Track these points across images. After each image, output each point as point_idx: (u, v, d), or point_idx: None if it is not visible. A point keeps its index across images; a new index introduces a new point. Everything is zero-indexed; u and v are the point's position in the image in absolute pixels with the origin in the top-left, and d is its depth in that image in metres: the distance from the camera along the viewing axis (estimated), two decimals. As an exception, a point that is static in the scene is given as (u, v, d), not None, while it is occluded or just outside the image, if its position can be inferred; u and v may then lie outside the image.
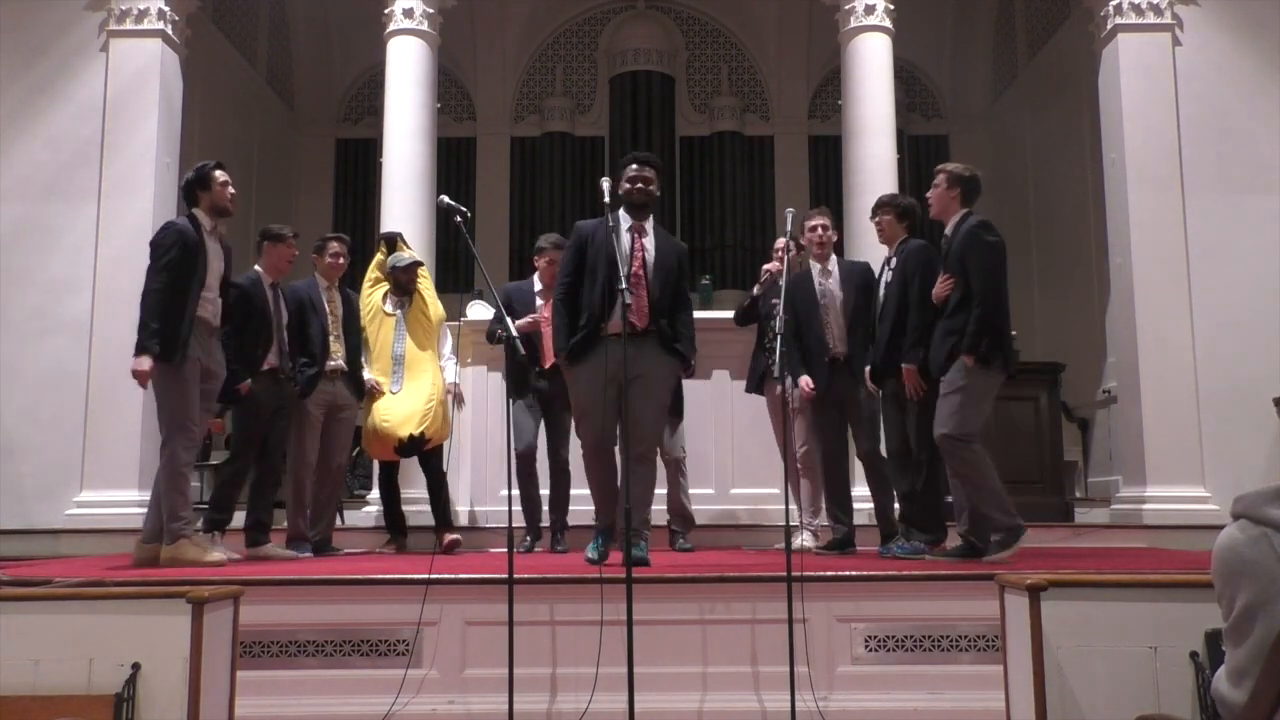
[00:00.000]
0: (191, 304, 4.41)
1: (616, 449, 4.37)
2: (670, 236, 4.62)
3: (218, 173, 4.60)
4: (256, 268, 5.17)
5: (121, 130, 6.86)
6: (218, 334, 4.62)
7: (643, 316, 4.31)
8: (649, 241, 4.43)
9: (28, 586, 3.47)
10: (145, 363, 4.31)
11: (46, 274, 6.75)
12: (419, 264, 5.60)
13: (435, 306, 5.61)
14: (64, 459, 6.53)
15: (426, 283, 5.65)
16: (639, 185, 4.43)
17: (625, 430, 3.98)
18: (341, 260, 5.46)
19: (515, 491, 5.53)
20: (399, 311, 5.51)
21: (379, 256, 5.69)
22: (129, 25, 6.95)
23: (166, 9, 7.01)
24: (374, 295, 5.60)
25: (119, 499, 6.46)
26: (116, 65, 6.93)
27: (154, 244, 4.48)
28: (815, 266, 5.29)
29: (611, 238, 4.27)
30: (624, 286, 3.84)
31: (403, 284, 5.52)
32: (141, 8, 6.96)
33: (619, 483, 4.17)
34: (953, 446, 4.34)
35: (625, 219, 4.43)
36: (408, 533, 5.69)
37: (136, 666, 2.85)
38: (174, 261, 4.39)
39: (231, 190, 4.65)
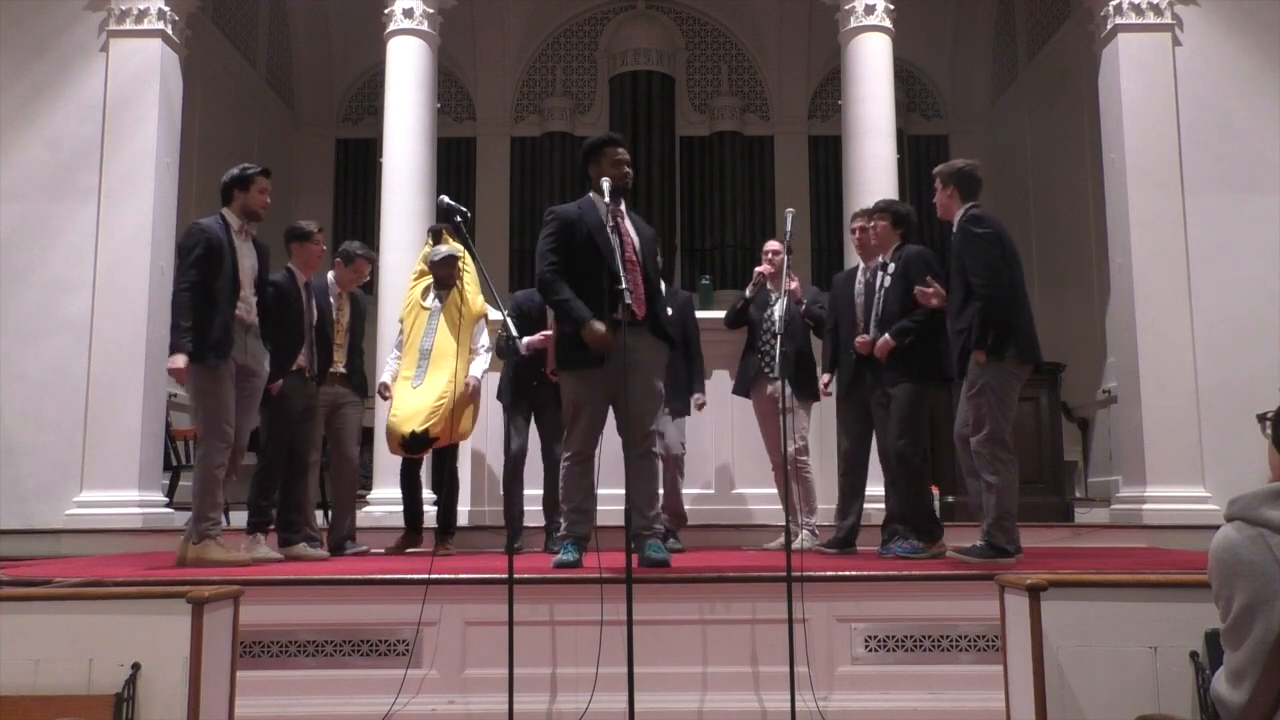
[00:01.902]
0: (222, 304, 4.41)
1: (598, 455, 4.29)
2: (640, 219, 4.43)
3: (261, 179, 4.62)
4: (289, 266, 5.16)
5: (121, 130, 6.86)
6: (255, 331, 4.62)
7: (641, 304, 4.11)
8: (628, 225, 4.25)
9: (28, 586, 3.47)
10: (180, 360, 4.33)
11: (46, 274, 6.75)
12: (455, 257, 5.51)
13: (474, 301, 5.52)
14: (64, 459, 6.53)
15: (469, 277, 5.57)
16: (624, 169, 4.22)
17: (628, 429, 3.92)
18: (367, 278, 5.54)
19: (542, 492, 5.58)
20: (436, 304, 5.49)
21: (425, 249, 5.67)
22: (129, 25, 6.95)
23: (166, 9, 7.01)
24: (416, 288, 5.59)
25: (119, 499, 6.47)
26: (116, 65, 6.93)
27: (179, 246, 4.50)
28: (860, 265, 5.31)
29: (601, 226, 4.12)
30: (624, 286, 3.72)
31: (441, 277, 5.51)
32: (141, 8, 6.96)
33: (624, 486, 4.13)
34: (986, 451, 4.29)
35: (600, 204, 4.20)
36: (422, 531, 5.66)
37: (136, 666, 2.85)
38: (200, 259, 4.40)
39: (268, 199, 4.67)
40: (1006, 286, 4.32)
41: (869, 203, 6.68)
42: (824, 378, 5.37)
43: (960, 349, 4.38)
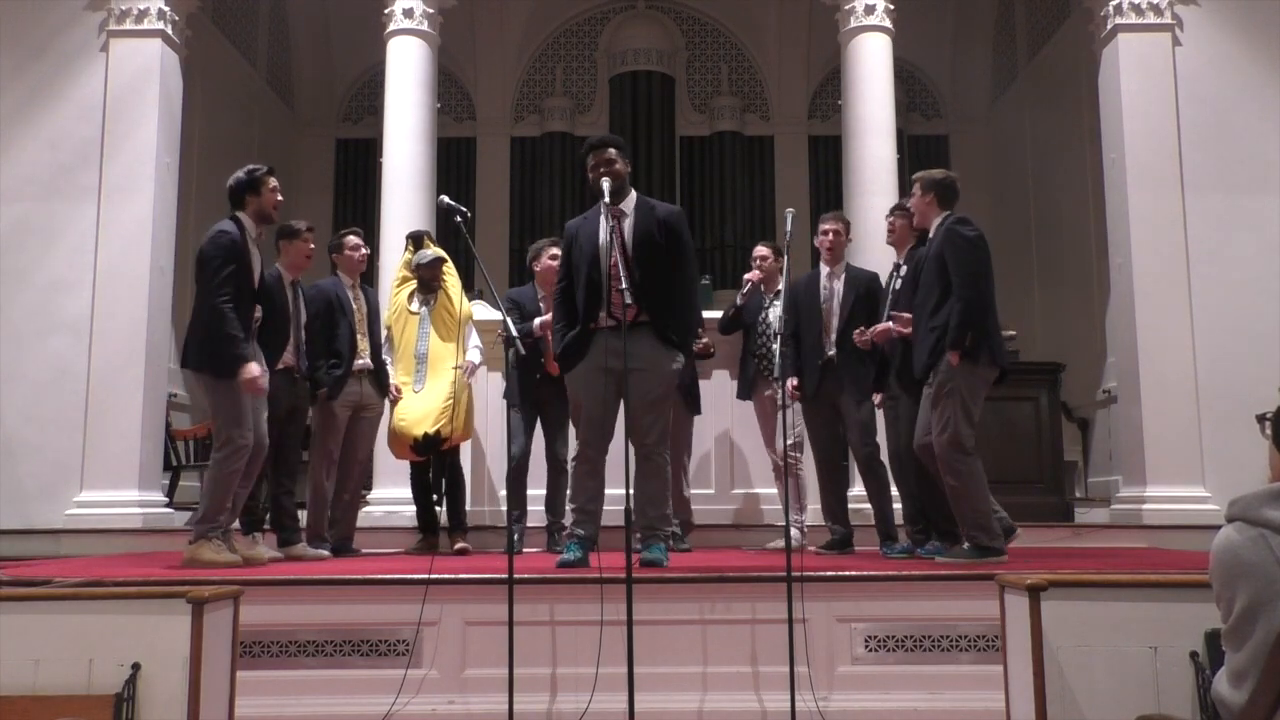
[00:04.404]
0: (242, 313, 4.38)
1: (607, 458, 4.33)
2: (655, 206, 4.42)
3: (270, 179, 4.56)
4: (277, 265, 5.13)
5: (121, 130, 6.85)
6: (254, 332, 4.60)
7: (623, 309, 4.13)
8: (627, 224, 4.29)
9: (28, 586, 3.47)
10: (254, 369, 4.30)
11: (46, 274, 6.74)
12: (442, 260, 5.55)
13: (461, 304, 5.56)
14: (64, 459, 6.52)
15: (452, 280, 5.60)
16: (600, 170, 4.30)
17: (628, 430, 3.92)
18: (363, 251, 5.47)
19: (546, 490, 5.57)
20: (424, 309, 5.50)
21: (406, 255, 5.67)
22: (129, 25, 6.94)
23: (166, 9, 7.00)
24: (400, 294, 5.59)
25: (119, 499, 6.46)
26: (116, 65, 6.92)
27: (208, 255, 4.38)
28: (824, 269, 5.33)
29: (595, 231, 4.29)
30: (624, 287, 3.74)
31: (427, 280, 5.51)
32: (141, 8, 6.95)
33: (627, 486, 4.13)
34: (947, 455, 4.27)
35: (603, 209, 4.36)
36: (439, 532, 5.64)
37: (136, 666, 2.85)
38: (233, 274, 4.34)
39: (279, 197, 4.60)
40: (986, 291, 4.36)
41: (869, 202, 6.70)
42: (792, 381, 5.24)
43: (932, 347, 4.37)
